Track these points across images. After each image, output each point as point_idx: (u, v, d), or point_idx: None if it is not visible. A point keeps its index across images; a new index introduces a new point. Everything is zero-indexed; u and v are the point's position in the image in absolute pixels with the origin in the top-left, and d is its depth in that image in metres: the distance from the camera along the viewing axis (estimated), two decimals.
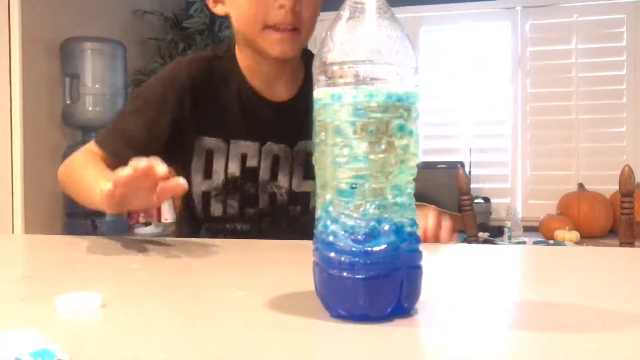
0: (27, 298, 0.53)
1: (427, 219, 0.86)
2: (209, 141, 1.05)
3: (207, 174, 1.05)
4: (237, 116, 1.05)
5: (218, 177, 1.05)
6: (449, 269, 0.69)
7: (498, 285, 0.62)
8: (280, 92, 1.05)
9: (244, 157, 1.05)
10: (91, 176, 0.93)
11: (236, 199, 1.06)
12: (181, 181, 0.76)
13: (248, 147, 1.05)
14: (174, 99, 1.01)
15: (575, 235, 2.61)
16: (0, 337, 0.36)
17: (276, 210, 1.07)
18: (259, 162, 1.05)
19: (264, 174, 1.06)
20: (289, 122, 1.04)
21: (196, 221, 1.07)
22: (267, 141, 1.06)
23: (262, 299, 0.50)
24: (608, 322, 0.45)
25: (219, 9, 1.04)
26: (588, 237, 2.67)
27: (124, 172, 0.74)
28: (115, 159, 0.94)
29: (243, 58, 1.05)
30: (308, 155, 1.02)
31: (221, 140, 1.05)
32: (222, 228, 1.06)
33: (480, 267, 0.73)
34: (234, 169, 1.05)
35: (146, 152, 0.77)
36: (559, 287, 0.59)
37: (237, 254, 0.80)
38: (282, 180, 1.07)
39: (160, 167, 0.73)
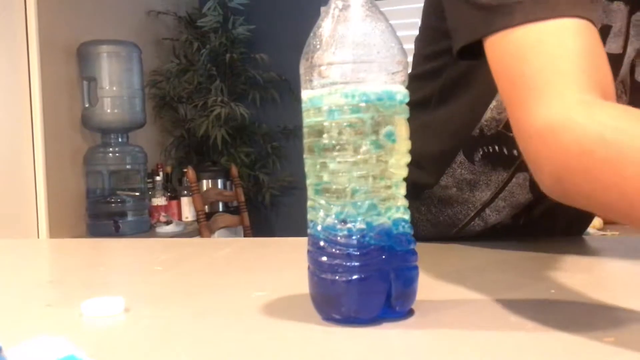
0: (53, 304, 0.55)
1: None
2: None
3: None
4: None
5: None
6: (455, 265, 0.69)
7: (512, 279, 0.62)
8: None
9: (604, 30, 0.63)
10: None
11: None
12: None
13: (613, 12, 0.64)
14: None
15: (598, 221, 2.58)
16: (29, 343, 0.37)
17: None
18: (625, 43, 0.65)
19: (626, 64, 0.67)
20: None
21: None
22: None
23: (281, 299, 0.51)
24: (627, 316, 0.44)
25: None
26: (612, 223, 2.63)
27: None
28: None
29: None
30: None
31: None
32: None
33: (492, 263, 0.73)
34: None
35: None
36: (576, 279, 0.58)
37: (255, 252, 0.81)
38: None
39: None
